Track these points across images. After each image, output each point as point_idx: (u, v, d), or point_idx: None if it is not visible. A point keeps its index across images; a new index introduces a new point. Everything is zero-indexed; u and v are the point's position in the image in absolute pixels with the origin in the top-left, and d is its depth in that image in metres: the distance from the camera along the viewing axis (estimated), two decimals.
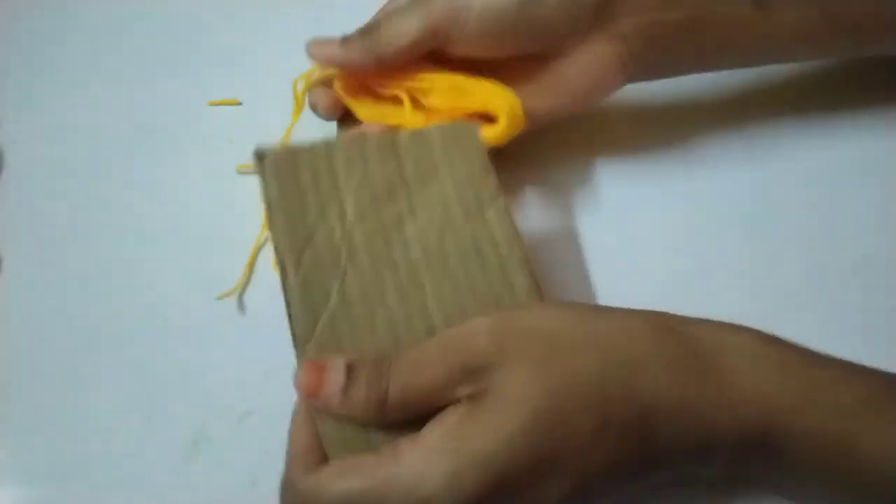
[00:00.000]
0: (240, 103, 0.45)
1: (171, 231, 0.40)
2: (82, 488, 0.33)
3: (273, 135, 0.44)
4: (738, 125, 0.42)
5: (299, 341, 0.28)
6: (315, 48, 0.36)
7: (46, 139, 0.44)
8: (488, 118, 0.34)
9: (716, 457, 0.27)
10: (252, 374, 0.35)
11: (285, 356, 0.36)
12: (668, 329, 0.28)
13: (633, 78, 0.37)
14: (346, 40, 0.36)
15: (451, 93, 0.35)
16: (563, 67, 0.35)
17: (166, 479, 0.33)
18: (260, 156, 0.31)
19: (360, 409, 0.26)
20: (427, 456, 0.25)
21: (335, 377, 0.27)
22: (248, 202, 0.41)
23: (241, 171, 0.42)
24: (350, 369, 0.27)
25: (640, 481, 0.28)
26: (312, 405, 0.27)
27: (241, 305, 0.37)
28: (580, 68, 0.35)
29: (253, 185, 0.42)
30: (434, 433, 0.25)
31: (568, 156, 0.41)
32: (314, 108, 0.39)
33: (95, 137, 0.44)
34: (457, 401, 0.26)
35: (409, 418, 0.27)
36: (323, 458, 0.27)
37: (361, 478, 0.25)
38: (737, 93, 0.43)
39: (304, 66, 0.48)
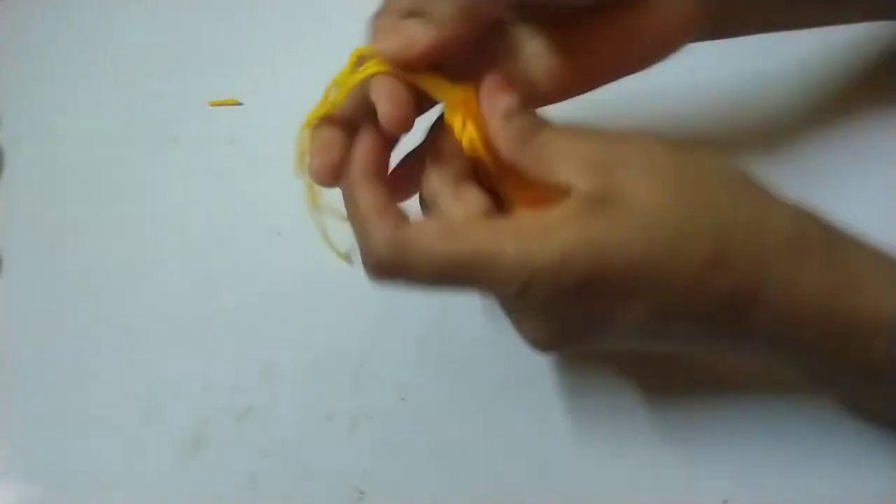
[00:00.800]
0: (240, 103, 0.45)
1: (171, 231, 0.40)
2: (82, 488, 0.33)
3: (273, 135, 0.44)
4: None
5: None
6: (383, 39, 0.28)
7: (46, 139, 0.44)
8: None
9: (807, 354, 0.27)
10: (252, 374, 0.35)
11: (285, 355, 0.36)
12: (812, 218, 0.27)
13: (700, 34, 0.33)
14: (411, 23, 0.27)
15: None
16: (638, 18, 0.31)
17: (166, 478, 0.33)
18: None
19: (511, 134, 0.26)
20: (547, 228, 0.24)
21: (510, 99, 0.26)
22: (248, 202, 0.41)
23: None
24: (524, 103, 0.26)
25: (711, 340, 0.27)
26: (486, 105, 0.26)
27: (241, 304, 0.37)
28: (657, 18, 0.31)
29: (253, 184, 0.42)
30: (556, 211, 0.24)
31: None
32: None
33: (95, 137, 0.44)
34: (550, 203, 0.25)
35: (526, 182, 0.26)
36: (402, 217, 0.26)
37: (469, 243, 0.24)
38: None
39: (304, 67, 0.48)
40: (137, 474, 0.33)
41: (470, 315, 0.36)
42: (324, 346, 0.36)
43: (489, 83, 0.27)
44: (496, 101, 0.26)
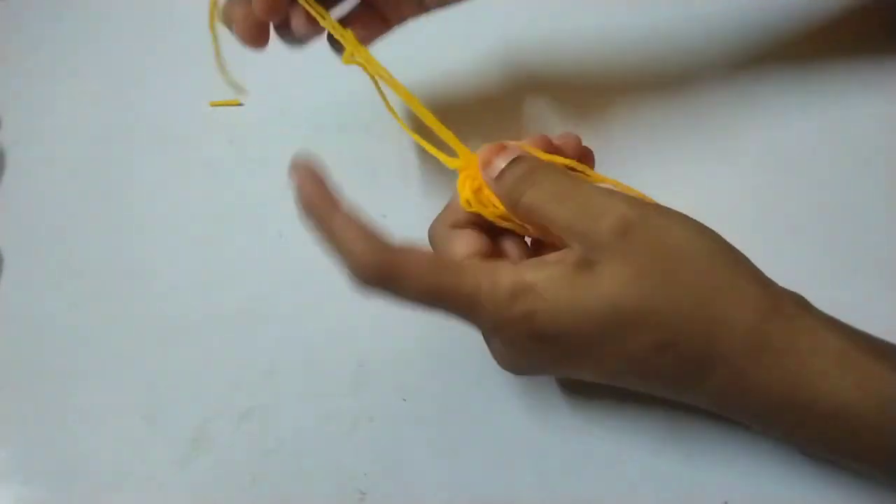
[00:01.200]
0: (240, 103, 0.45)
1: (171, 231, 0.40)
2: (82, 488, 0.33)
3: (273, 135, 0.44)
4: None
5: None
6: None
7: (46, 139, 0.44)
8: None
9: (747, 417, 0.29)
10: (252, 374, 0.35)
11: (285, 356, 0.36)
12: (781, 313, 0.27)
13: None
14: None
15: None
16: None
17: (166, 479, 0.33)
18: None
19: (501, 196, 0.29)
20: (520, 287, 0.27)
21: (501, 162, 0.30)
22: (248, 202, 0.41)
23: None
24: (516, 159, 0.30)
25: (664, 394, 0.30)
26: (483, 175, 0.30)
27: (242, 305, 0.37)
28: None
29: (253, 184, 0.42)
30: (538, 274, 0.27)
31: None
32: (228, 25, 0.35)
33: (95, 137, 0.44)
34: (565, 246, 0.28)
35: (521, 229, 0.30)
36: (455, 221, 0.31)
37: (452, 278, 0.27)
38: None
39: (304, 67, 0.48)
40: (137, 474, 0.33)
41: None
42: (324, 346, 0.36)
43: (483, 152, 0.30)
44: (489, 168, 0.30)
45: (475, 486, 0.32)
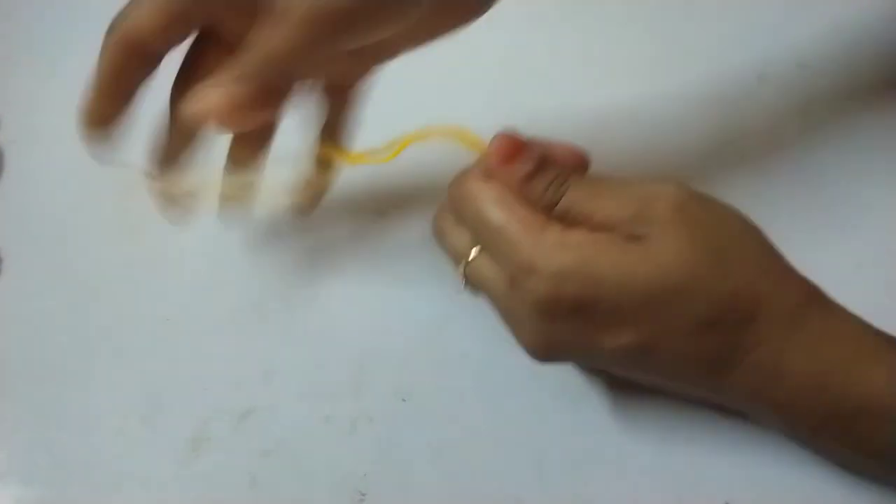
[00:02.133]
0: None
1: (170, 231, 0.40)
2: (82, 488, 0.33)
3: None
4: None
5: None
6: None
7: (46, 139, 0.44)
8: None
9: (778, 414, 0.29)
10: (252, 374, 0.35)
11: (285, 356, 0.36)
12: (816, 301, 0.28)
13: None
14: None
15: None
16: None
17: (166, 479, 0.33)
18: None
19: (533, 199, 0.28)
20: (561, 247, 0.26)
21: (527, 162, 0.28)
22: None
23: None
24: (542, 162, 0.28)
25: (690, 385, 0.29)
26: (494, 170, 0.28)
27: (241, 305, 0.37)
28: None
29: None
30: (580, 234, 0.27)
31: None
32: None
33: None
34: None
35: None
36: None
37: (510, 217, 0.27)
38: None
39: None
40: (137, 475, 0.33)
41: (470, 316, 0.36)
42: (324, 346, 0.36)
43: (500, 146, 0.28)
44: (511, 167, 0.28)
45: (475, 486, 0.32)
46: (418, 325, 0.36)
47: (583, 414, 0.33)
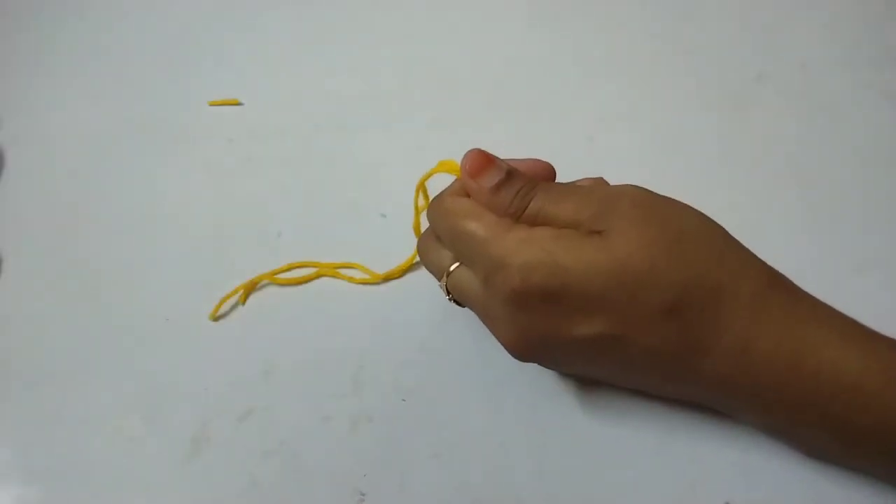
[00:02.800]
0: (240, 103, 0.45)
1: (171, 231, 0.40)
2: (82, 488, 0.33)
3: (273, 135, 0.44)
4: None
5: None
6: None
7: (46, 139, 0.44)
8: None
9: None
10: (252, 374, 0.35)
11: (285, 356, 0.36)
12: (780, 285, 0.29)
13: None
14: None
15: None
16: None
17: (166, 479, 0.33)
18: None
19: (500, 209, 0.30)
20: (527, 242, 0.28)
21: (496, 173, 0.30)
22: (247, 202, 0.41)
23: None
24: (509, 174, 0.30)
25: (661, 376, 0.30)
26: (465, 184, 0.31)
27: (240, 305, 0.37)
28: None
29: (253, 184, 0.42)
30: (545, 231, 0.29)
31: None
32: None
33: (95, 137, 0.44)
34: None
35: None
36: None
37: (479, 223, 0.30)
38: None
39: (304, 67, 0.48)
40: (137, 474, 0.33)
41: (470, 316, 0.36)
42: (324, 346, 0.36)
43: (468, 160, 0.30)
44: (479, 178, 0.30)
45: (475, 486, 0.32)
46: (418, 325, 0.36)
47: (582, 414, 0.33)
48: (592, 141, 0.42)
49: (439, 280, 0.32)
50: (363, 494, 0.32)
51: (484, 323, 0.31)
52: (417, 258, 0.37)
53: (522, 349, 0.30)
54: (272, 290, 0.38)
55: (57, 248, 0.40)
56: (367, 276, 0.38)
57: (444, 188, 0.32)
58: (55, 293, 0.38)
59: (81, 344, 0.36)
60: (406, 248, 0.38)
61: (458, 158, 0.36)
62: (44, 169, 0.43)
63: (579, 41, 0.48)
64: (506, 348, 0.30)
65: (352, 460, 0.33)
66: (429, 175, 0.34)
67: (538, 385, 0.34)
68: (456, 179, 0.32)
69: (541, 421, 0.33)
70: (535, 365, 0.34)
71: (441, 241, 0.32)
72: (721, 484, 0.31)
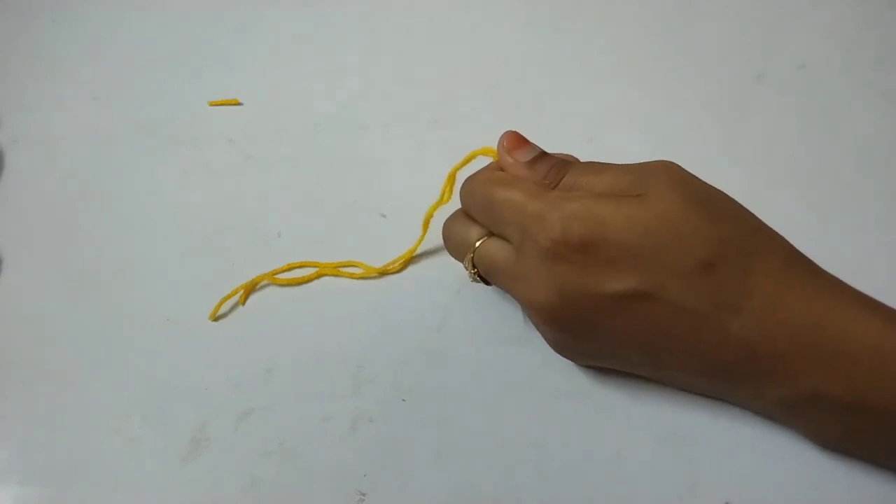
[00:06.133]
0: (240, 103, 0.45)
1: (171, 231, 0.40)
2: (82, 488, 0.33)
3: (273, 135, 0.44)
4: None
5: None
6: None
7: (46, 139, 0.44)
8: None
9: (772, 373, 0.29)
10: (252, 374, 0.35)
11: (285, 356, 0.36)
12: (800, 255, 0.30)
13: None
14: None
15: None
16: None
17: (166, 479, 0.33)
18: None
19: (536, 180, 0.31)
20: (566, 197, 0.29)
21: (532, 149, 0.32)
22: (247, 202, 0.41)
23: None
24: (544, 152, 0.32)
25: (691, 342, 0.29)
26: (501, 159, 0.32)
27: (241, 306, 0.37)
28: None
29: (253, 184, 0.42)
30: (582, 191, 0.30)
31: None
32: None
33: (95, 137, 0.44)
34: None
35: None
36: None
37: (516, 189, 0.31)
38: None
39: (304, 67, 0.48)
40: (137, 475, 0.33)
41: (470, 316, 0.36)
42: (324, 346, 0.36)
43: (506, 137, 0.32)
44: (516, 153, 0.32)
45: (475, 486, 0.32)
46: (418, 325, 0.36)
47: (582, 414, 0.33)
48: (592, 141, 0.42)
49: (463, 258, 0.33)
50: (363, 494, 0.32)
51: (512, 292, 0.32)
52: (418, 250, 0.37)
53: (555, 310, 0.30)
54: (272, 290, 0.38)
55: (57, 248, 0.40)
56: (366, 272, 0.37)
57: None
58: (55, 293, 0.38)
59: (81, 344, 0.37)
60: (406, 248, 0.38)
61: (459, 159, 0.36)
62: (44, 169, 0.43)
63: (579, 41, 0.48)
64: (536, 313, 0.30)
65: (352, 460, 0.33)
66: (465, 162, 0.35)
67: (538, 385, 0.34)
68: (491, 162, 0.34)
69: (541, 421, 0.33)
70: (535, 365, 0.34)
71: (469, 219, 0.33)
72: (721, 484, 0.31)
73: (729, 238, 0.28)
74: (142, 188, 0.42)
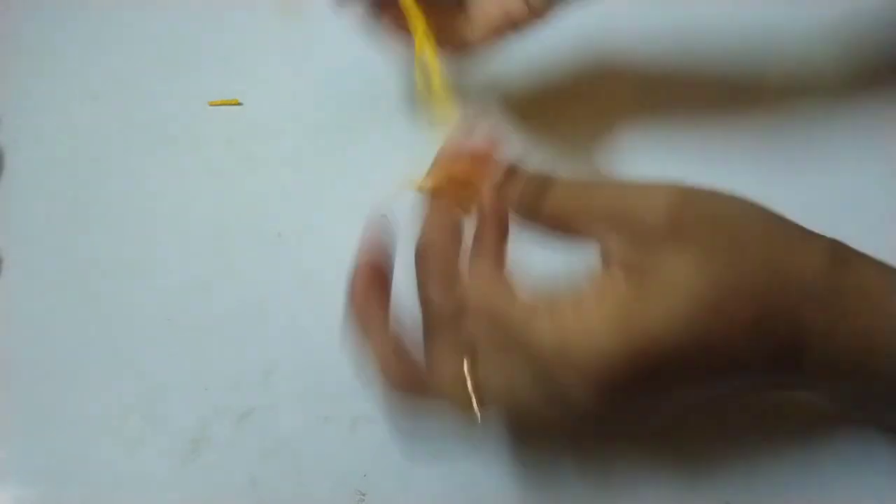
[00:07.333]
0: (240, 103, 0.45)
1: (170, 231, 0.40)
2: (82, 488, 0.33)
3: (273, 135, 0.44)
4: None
5: None
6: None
7: (46, 139, 0.44)
8: None
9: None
10: (252, 374, 0.35)
11: (285, 356, 0.36)
12: (843, 260, 0.26)
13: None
14: None
15: None
16: None
17: (166, 479, 0.33)
18: None
19: (514, 203, 0.26)
20: (588, 324, 0.23)
21: (498, 166, 0.27)
22: (247, 202, 0.41)
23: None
24: (511, 170, 0.26)
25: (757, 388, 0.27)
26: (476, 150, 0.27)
27: (241, 305, 0.37)
28: None
29: (252, 185, 0.42)
30: (595, 303, 0.24)
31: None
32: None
33: (95, 137, 0.44)
34: (603, 247, 0.25)
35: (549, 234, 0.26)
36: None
37: (510, 318, 0.25)
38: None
39: (303, 67, 0.48)
40: (137, 475, 0.33)
41: None
42: (324, 346, 0.36)
43: (480, 142, 0.27)
44: (496, 163, 0.27)
45: (475, 486, 0.32)
46: (418, 325, 0.36)
47: None
48: (592, 142, 0.42)
49: (455, 398, 0.26)
50: (363, 494, 0.32)
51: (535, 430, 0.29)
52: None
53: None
54: (272, 290, 0.38)
55: (57, 248, 0.40)
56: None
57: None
58: (55, 293, 0.38)
59: (81, 344, 0.36)
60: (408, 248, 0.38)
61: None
62: (44, 169, 0.43)
63: (578, 41, 0.48)
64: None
65: (352, 460, 0.33)
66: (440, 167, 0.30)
67: None
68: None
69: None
70: None
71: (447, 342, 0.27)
72: (721, 484, 0.31)
73: (764, 280, 0.24)
74: (142, 188, 0.42)
